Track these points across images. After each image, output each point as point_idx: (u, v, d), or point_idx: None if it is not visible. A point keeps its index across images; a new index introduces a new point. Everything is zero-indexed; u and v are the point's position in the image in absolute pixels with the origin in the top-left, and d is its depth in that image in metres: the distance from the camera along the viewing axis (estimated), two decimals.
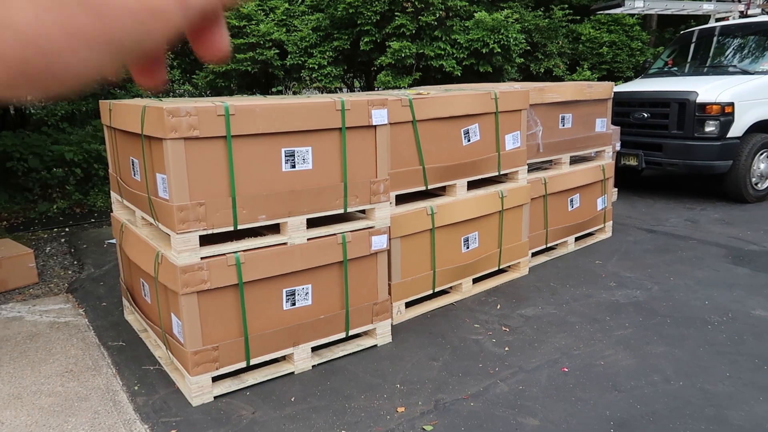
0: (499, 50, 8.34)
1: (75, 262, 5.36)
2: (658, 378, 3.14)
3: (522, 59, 9.26)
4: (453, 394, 3.02)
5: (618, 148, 6.99)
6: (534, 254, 5.00)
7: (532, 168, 4.98)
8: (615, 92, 6.15)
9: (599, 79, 10.13)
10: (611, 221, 5.77)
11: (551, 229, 5.06)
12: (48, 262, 5.35)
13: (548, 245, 5.10)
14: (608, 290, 4.37)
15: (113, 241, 4.27)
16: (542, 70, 9.79)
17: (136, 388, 3.11)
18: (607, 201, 5.66)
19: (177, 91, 9.55)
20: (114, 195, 3.85)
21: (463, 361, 3.37)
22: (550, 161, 5.21)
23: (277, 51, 8.45)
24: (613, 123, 6.72)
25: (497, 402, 2.95)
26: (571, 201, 5.24)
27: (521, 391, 3.03)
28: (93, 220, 6.71)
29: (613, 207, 5.91)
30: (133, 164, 3.29)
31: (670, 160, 6.87)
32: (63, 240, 6.03)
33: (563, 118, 5.07)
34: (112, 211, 3.92)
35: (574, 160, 5.42)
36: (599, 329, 3.73)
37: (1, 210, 6.89)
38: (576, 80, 9.81)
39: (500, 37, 8.26)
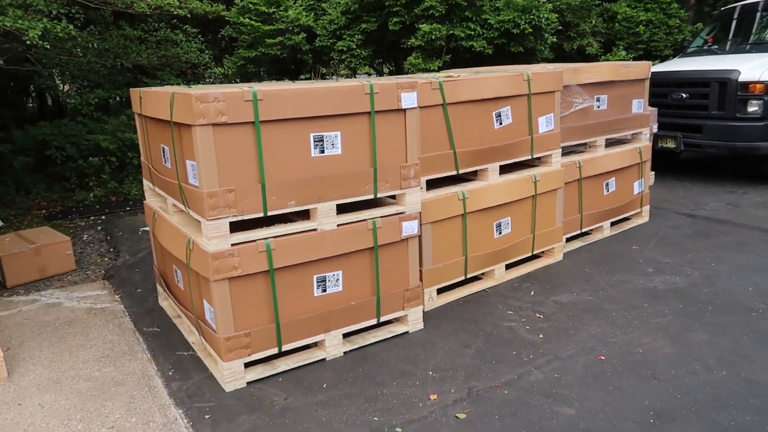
0: (531, 30, 8.14)
1: (111, 250, 5.46)
2: (699, 367, 3.03)
3: (554, 38, 9.02)
4: (486, 382, 2.97)
5: (655, 130, 6.75)
6: (568, 240, 4.89)
7: (567, 151, 4.85)
8: (652, 72, 5.93)
9: (635, 59, 9.81)
10: (648, 205, 5.60)
11: (586, 214, 4.93)
12: (85, 250, 5.45)
13: (583, 230, 4.98)
14: (646, 276, 4.24)
15: (147, 228, 4.32)
16: (575, 48, 9.53)
17: (170, 373, 3.15)
18: (644, 185, 5.48)
19: (207, 79, 9.60)
20: (146, 183, 3.88)
21: (497, 348, 3.31)
22: (585, 144, 5.06)
23: (305, 35, 8.41)
24: (650, 104, 6.49)
25: (532, 390, 2.89)
26: (607, 185, 5.10)
27: (556, 380, 2.97)
28: (128, 208, 6.82)
29: (650, 191, 5.73)
30: (163, 151, 3.31)
31: (710, 142, 6.62)
32: (99, 228, 6.15)
33: (598, 99, 4.91)
34: (145, 199, 3.96)
35: (610, 143, 5.25)
36: (637, 316, 3.62)
37: (41, 199, 7.06)
38: (611, 60, 9.52)
39: (531, 17, 8.05)
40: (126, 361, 3.30)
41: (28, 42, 4.56)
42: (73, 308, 4.04)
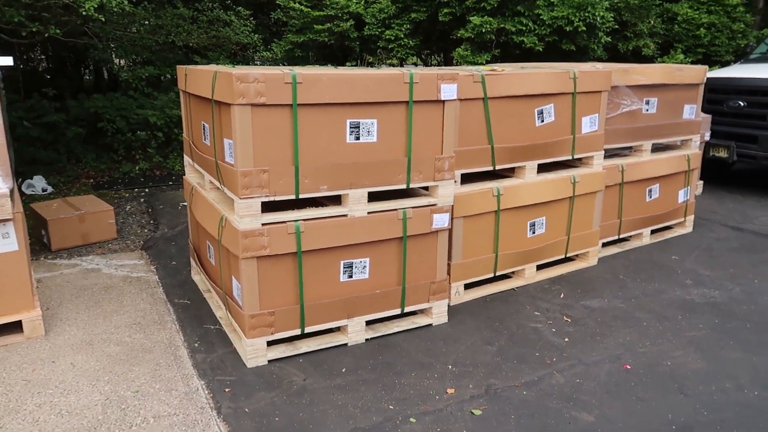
0: (584, 28, 7.93)
1: (151, 222, 5.62)
2: (730, 385, 2.92)
3: (609, 38, 8.77)
4: (506, 381, 2.94)
5: (707, 138, 6.52)
6: (605, 244, 4.78)
7: (610, 154, 4.72)
8: (708, 78, 5.71)
9: (693, 63, 9.46)
10: (693, 215, 5.41)
11: (625, 220, 4.81)
12: (127, 220, 5.63)
13: (621, 236, 4.85)
14: (683, 288, 4.11)
15: (186, 203, 4.42)
16: (630, 49, 9.25)
17: (196, 345, 3.23)
18: (689, 193, 5.30)
19: (256, 60, 9.73)
20: (186, 158, 3.97)
21: (520, 347, 3.27)
22: (631, 148, 4.92)
23: (353, 23, 8.42)
24: (704, 111, 6.26)
25: (551, 393, 2.85)
26: (650, 191, 4.95)
27: (578, 385, 2.91)
28: (170, 183, 7.00)
29: (696, 200, 5.54)
30: (204, 129, 3.37)
31: (767, 154, 6.34)
32: (142, 200, 6.33)
33: (647, 102, 4.76)
34: (185, 175, 4.05)
35: (657, 148, 5.09)
36: (669, 328, 3.52)
37: (89, 168, 7.31)
38: (667, 63, 9.20)
39: (586, 14, 7.85)
40: (155, 329, 3.40)
41: (84, 13, 4.70)
42: (110, 275, 4.19)
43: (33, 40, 6.09)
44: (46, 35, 5.25)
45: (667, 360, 3.15)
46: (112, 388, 2.79)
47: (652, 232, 5.11)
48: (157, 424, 2.55)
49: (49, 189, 6.40)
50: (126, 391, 2.77)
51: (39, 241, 4.84)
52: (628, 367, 3.09)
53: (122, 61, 9.07)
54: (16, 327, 3.23)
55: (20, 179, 6.32)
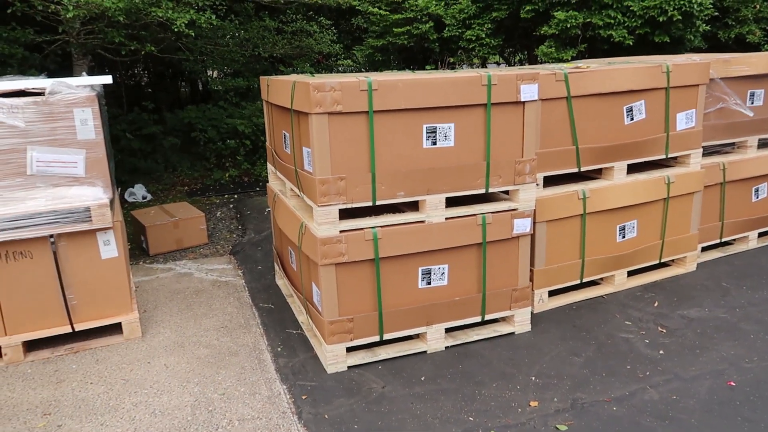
0: (680, 17, 7.43)
1: (239, 227, 5.85)
2: None
3: (708, 26, 8.17)
4: (594, 395, 2.79)
5: None
6: (705, 249, 4.44)
7: (710, 151, 4.38)
8: None
9: None
10: None
11: (728, 222, 4.44)
12: (217, 226, 5.90)
13: (723, 240, 4.49)
14: None
15: (270, 209, 4.56)
16: (732, 37, 8.56)
17: (279, 349, 3.31)
18: None
19: (338, 68, 9.93)
20: (269, 166, 4.09)
21: (609, 360, 3.10)
22: (733, 144, 4.54)
23: (432, 24, 8.38)
24: None
25: (644, 410, 2.67)
26: (756, 191, 4.54)
27: (674, 402, 2.71)
28: (258, 189, 7.27)
29: None
30: (284, 137, 3.46)
31: None
32: (231, 206, 6.61)
33: (752, 95, 4.38)
34: (268, 182, 4.18)
35: (763, 144, 4.67)
36: None
37: (184, 176, 7.74)
38: None
39: (682, 2, 7.35)
40: (241, 333, 3.52)
41: (176, 30, 4.98)
42: (201, 279, 4.39)
43: (134, 58, 6.54)
44: (143, 53, 5.60)
45: None
46: (201, 390, 2.92)
47: (760, 235, 4.69)
48: (241, 427, 2.63)
49: (149, 196, 6.83)
50: (213, 393, 2.88)
51: (139, 246, 5.17)
52: (733, 384, 2.83)
53: (214, 73, 9.55)
54: (116, 328, 3.46)
55: (122, 188, 6.79)
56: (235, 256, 4.92)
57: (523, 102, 3.08)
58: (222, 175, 7.71)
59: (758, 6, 8.67)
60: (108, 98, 7.83)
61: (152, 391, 2.93)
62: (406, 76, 2.95)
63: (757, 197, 4.57)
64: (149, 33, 5.86)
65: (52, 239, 3.18)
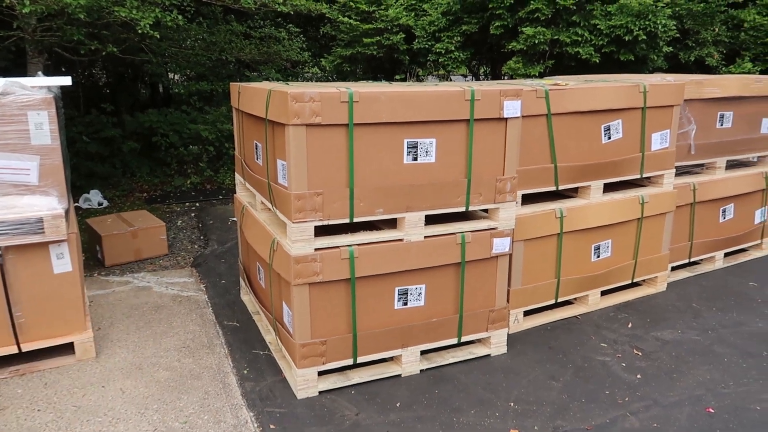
0: (645, 38, 7.59)
1: (201, 237, 5.61)
2: None
3: (670, 47, 8.37)
4: (574, 422, 2.71)
5: None
6: (674, 268, 4.46)
7: (680, 172, 4.42)
8: None
9: (762, 73, 8.93)
10: None
11: (697, 242, 4.48)
12: (178, 235, 5.64)
13: (692, 260, 4.52)
14: (766, 319, 3.77)
15: (236, 219, 4.36)
16: (693, 59, 8.80)
17: (245, 372, 3.13)
18: (767, 213, 4.92)
19: (305, 75, 9.76)
20: (238, 177, 3.91)
21: (588, 384, 3.03)
22: (702, 165, 4.60)
23: (403, 36, 8.32)
24: None
25: None
26: (724, 211, 4.61)
27: (656, 430, 2.66)
28: (221, 197, 7.02)
29: None
30: (256, 148, 3.29)
31: None
32: (193, 214, 6.36)
33: (722, 117, 4.44)
34: (236, 192, 3.99)
35: (731, 165, 4.75)
36: (754, 365, 3.21)
37: (143, 182, 7.42)
38: (734, 73, 8.72)
39: (647, 23, 7.51)
40: (204, 353, 3.32)
41: (140, 31, 4.75)
42: (161, 294, 4.15)
43: (93, 58, 6.23)
44: (104, 53, 5.33)
45: (755, 404, 2.85)
46: (161, 418, 2.71)
47: (726, 255, 4.76)
48: None
49: (105, 203, 6.50)
50: (174, 422, 2.68)
51: (94, 257, 4.88)
52: (712, 410, 2.80)
53: (177, 76, 9.24)
54: (68, 348, 3.20)
55: (77, 194, 6.45)
56: (198, 269, 4.69)
57: (506, 118, 3.00)
58: (183, 182, 7.43)
59: (717, 29, 8.95)
60: (64, 98, 7.47)
61: (106, 419, 2.70)
62: (387, 88, 2.83)
63: (725, 218, 4.63)
64: (111, 33, 5.59)
65: None
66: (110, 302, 3.99)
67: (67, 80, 3.17)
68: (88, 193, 6.55)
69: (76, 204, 6.31)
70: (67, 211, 3.10)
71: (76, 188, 6.54)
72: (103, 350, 3.33)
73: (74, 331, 3.19)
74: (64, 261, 3.08)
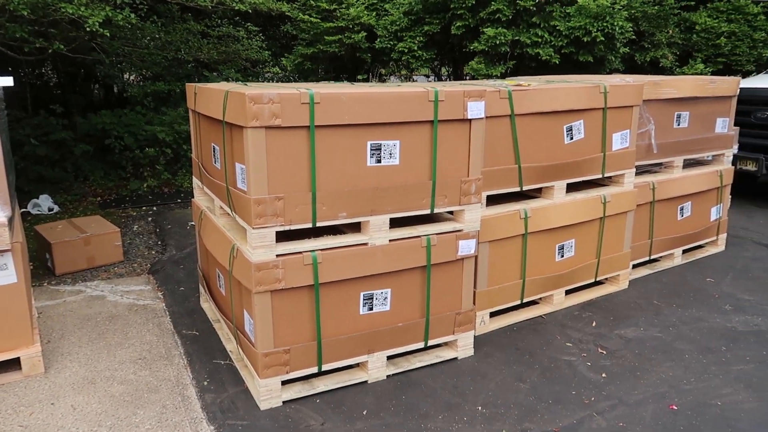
0: (603, 39, 7.72)
1: (159, 243, 5.43)
2: None
3: (626, 49, 8.55)
4: (542, 424, 2.69)
5: (735, 150, 6.26)
6: (634, 266, 4.53)
7: (640, 171, 4.48)
8: None
9: (714, 73, 9.21)
10: (725, 233, 5.15)
11: (657, 240, 4.56)
12: (134, 241, 5.44)
13: (651, 257, 4.60)
14: (723, 314, 3.85)
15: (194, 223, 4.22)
16: (648, 60, 9.01)
17: (205, 383, 3.01)
18: (722, 211, 5.05)
19: (266, 74, 9.58)
20: (195, 180, 3.77)
21: (554, 385, 3.02)
22: (661, 164, 4.68)
23: (365, 34, 8.26)
24: None
25: None
26: (682, 209, 4.70)
27: (622, 430, 2.66)
28: (179, 200, 6.82)
29: (727, 218, 5.28)
30: (214, 151, 3.17)
31: None
32: (150, 219, 6.15)
33: (679, 117, 4.53)
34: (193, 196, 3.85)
35: (687, 164, 4.85)
36: (714, 361, 3.26)
37: (97, 186, 7.15)
38: (687, 74, 8.97)
39: (605, 24, 7.64)
40: (162, 365, 3.18)
41: (89, 29, 4.55)
42: (115, 303, 3.98)
43: (40, 57, 5.96)
44: (50, 51, 5.09)
45: (716, 399, 2.89)
46: None
47: (684, 251, 4.86)
48: None
49: (56, 208, 6.23)
50: None
51: (43, 265, 4.65)
52: (675, 407, 2.83)
53: (131, 77, 8.94)
54: (14, 364, 3.02)
55: (26, 199, 6.16)
56: (155, 276, 4.52)
57: (470, 119, 2.97)
58: (140, 186, 7.18)
59: (671, 31, 9.19)
60: (10, 100, 7.12)
61: None
62: (349, 88, 2.76)
63: (682, 215, 4.72)
64: (59, 31, 5.35)
65: None
66: (61, 313, 3.80)
67: (8, 80, 2.99)
68: (38, 198, 6.25)
69: (25, 210, 6.02)
70: (10, 219, 2.92)
71: (24, 193, 6.25)
72: (52, 365, 3.15)
73: (20, 346, 3.02)
74: (7, 272, 2.90)
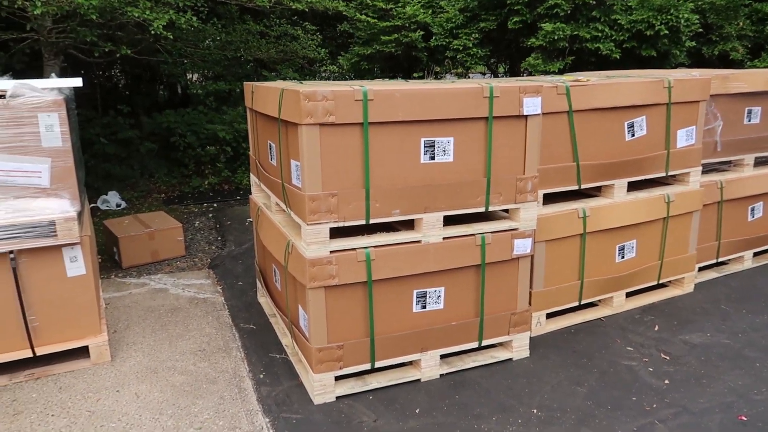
0: (667, 32, 7.40)
1: (219, 238, 5.59)
2: None
3: (692, 42, 8.17)
4: (600, 431, 2.61)
5: None
6: (701, 269, 4.32)
7: (707, 169, 4.27)
8: None
9: None
10: None
11: (725, 242, 4.33)
12: (195, 236, 5.62)
13: (719, 260, 4.38)
14: None
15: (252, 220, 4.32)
16: (716, 53, 8.58)
17: (261, 376, 3.08)
18: None
19: (322, 73, 9.71)
20: (253, 177, 3.86)
21: (613, 390, 2.92)
22: (730, 162, 4.45)
23: (422, 33, 8.23)
24: None
25: None
26: (753, 210, 4.45)
27: None
28: (238, 197, 7.00)
29: None
30: (270, 148, 3.24)
31: None
32: (210, 215, 6.34)
33: (749, 112, 4.29)
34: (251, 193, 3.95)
35: (759, 162, 4.59)
36: None
37: (161, 183, 7.43)
38: (760, 67, 8.48)
39: (669, 17, 7.32)
40: (220, 357, 3.27)
41: (153, 32, 4.72)
42: (177, 296, 4.13)
43: (109, 59, 6.24)
44: (118, 54, 5.33)
45: None
46: (175, 424, 2.66)
47: (755, 254, 4.60)
48: None
49: (123, 204, 6.52)
50: (189, 428, 2.63)
51: (111, 258, 4.88)
52: (744, 418, 2.68)
53: (194, 76, 9.24)
54: (82, 351, 3.18)
55: (95, 195, 6.47)
56: (214, 271, 4.66)
57: (526, 116, 2.91)
58: (201, 183, 7.42)
59: (741, 23, 8.71)
60: (82, 101, 7.50)
61: (120, 424, 2.67)
62: (403, 85, 2.76)
63: (753, 216, 4.47)
64: (125, 34, 5.59)
65: (12, 255, 2.90)
66: (126, 305, 3.97)
67: (77, 81, 3.15)
68: (107, 194, 6.56)
69: (94, 205, 6.33)
70: (80, 214, 3.07)
71: (93, 190, 6.57)
72: (118, 353, 3.30)
73: (89, 335, 3.17)
74: (77, 264, 3.05)
